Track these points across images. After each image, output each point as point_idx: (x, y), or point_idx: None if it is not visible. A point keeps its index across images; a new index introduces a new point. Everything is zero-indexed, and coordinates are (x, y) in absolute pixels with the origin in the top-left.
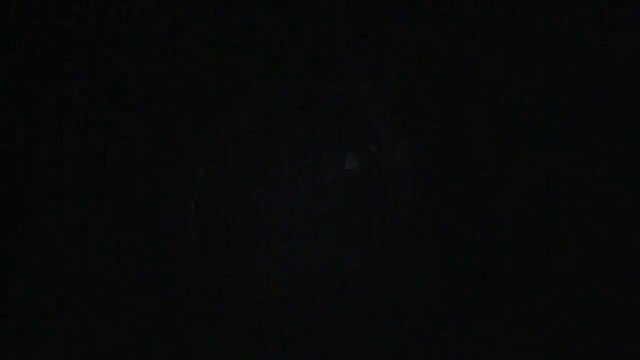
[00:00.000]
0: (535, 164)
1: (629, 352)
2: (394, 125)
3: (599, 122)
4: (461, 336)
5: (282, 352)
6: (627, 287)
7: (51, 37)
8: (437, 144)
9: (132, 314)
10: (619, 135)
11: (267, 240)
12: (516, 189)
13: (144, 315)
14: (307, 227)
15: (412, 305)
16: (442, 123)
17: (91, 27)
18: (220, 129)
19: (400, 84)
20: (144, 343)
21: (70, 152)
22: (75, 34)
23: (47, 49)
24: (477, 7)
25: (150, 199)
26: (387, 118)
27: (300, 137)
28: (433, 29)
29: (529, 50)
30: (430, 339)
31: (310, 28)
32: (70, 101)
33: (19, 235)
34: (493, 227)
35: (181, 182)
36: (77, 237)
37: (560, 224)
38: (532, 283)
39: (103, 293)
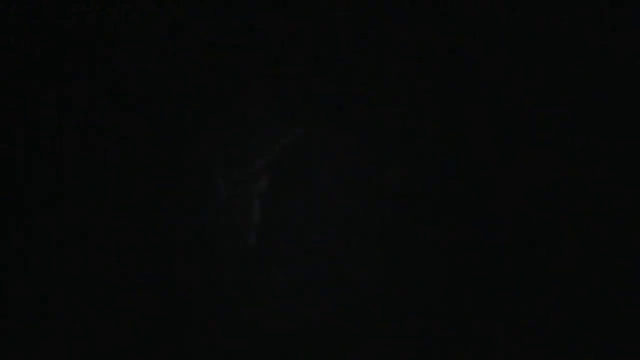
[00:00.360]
0: (535, 164)
1: (629, 352)
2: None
3: (599, 122)
4: (461, 336)
5: (283, 352)
6: (627, 287)
7: (51, 37)
8: (437, 145)
9: (132, 314)
10: (619, 135)
11: (272, 244)
12: (516, 189)
13: (144, 316)
14: (310, 231)
15: (413, 306)
16: (441, 123)
17: (91, 27)
18: (222, 131)
19: (400, 84)
20: (144, 343)
21: (70, 152)
22: (75, 34)
23: (47, 49)
24: (477, 7)
25: (150, 199)
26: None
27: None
28: (433, 29)
29: (529, 50)
30: (431, 339)
31: (310, 28)
32: (70, 101)
33: (19, 235)
34: (493, 227)
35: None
36: (77, 237)
37: (560, 224)
38: (532, 283)
39: (104, 293)
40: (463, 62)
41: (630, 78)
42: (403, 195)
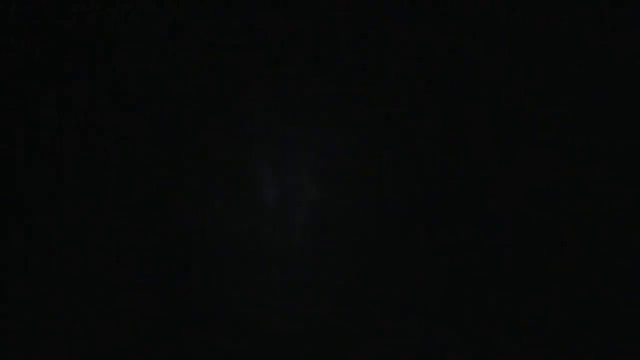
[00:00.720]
0: (535, 164)
1: (629, 352)
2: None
3: (599, 122)
4: (461, 337)
5: (283, 352)
6: (627, 287)
7: (51, 37)
8: (437, 145)
9: (132, 314)
10: (619, 135)
11: (272, 246)
12: (516, 189)
13: (144, 316)
14: (308, 234)
15: (413, 306)
16: (442, 123)
17: (91, 27)
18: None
19: (400, 84)
20: (144, 343)
21: (70, 152)
22: (75, 34)
23: (47, 49)
24: (477, 7)
25: (150, 199)
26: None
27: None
28: (433, 29)
29: (529, 50)
30: (431, 339)
31: (310, 28)
32: (71, 101)
33: (19, 235)
34: (493, 227)
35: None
36: (77, 237)
37: (560, 224)
38: (532, 283)
39: (103, 293)
40: (463, 62)
41: (630, 78)
42: (403, 196)
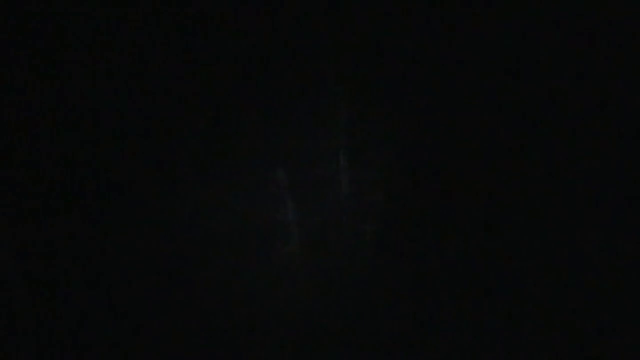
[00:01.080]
0: (534, 164)
1: (629, 351)
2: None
3: (599, 122)
4: (462, 337)
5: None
6: (627, 287)
7: (50, 37)
8: (435, 144)
9: (134, 313)
10: (618, 135)
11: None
12: (515, 188)
13: (146, 315)
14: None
15: (411, 305)
16: (440, 123)
17: (90, 27)
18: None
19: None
20: (145, 342)
21: (70, 148)
22: (74, 33)
23: (46, 49)
24: (477, 7)
25: (154, 200)
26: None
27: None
28: (433, 29)
29: (529, 50)
30: (432, 340)
31: (311, 28)
32: (69, 100)
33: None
34: (492, 227)
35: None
36: (80, 237)
37: (558, 223)
38: (531, 283)
39: (108, 293)
40: (463, 62)
41: (631, 78)
42: (404, 198)
